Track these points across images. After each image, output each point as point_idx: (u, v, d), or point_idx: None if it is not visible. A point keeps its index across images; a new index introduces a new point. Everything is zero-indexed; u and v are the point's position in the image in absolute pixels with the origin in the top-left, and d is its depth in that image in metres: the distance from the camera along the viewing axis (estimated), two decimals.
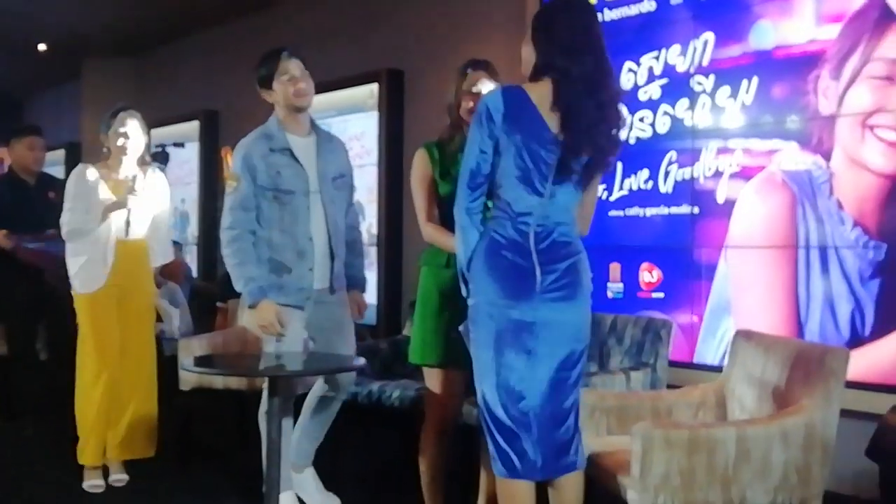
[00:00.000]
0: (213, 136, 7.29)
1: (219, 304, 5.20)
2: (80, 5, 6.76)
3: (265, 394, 2.93)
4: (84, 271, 3.59)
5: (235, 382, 3.86)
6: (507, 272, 2.23)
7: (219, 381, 3.86)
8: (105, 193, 3.59)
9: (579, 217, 2.35)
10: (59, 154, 9.14)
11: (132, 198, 3.56)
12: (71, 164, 8.82)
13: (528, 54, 2.32)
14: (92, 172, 3.62)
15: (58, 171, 9.14)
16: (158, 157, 5.09)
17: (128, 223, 3.59)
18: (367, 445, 3.15)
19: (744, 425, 2.25)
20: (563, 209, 2.28)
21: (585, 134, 2.20)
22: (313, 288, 3.01)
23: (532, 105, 2.22)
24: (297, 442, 3.09)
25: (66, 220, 3.57)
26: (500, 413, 2.23)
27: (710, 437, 2.16)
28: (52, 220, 3.84)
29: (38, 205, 4.50)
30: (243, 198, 2.97)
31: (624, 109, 2.38)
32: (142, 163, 3.73)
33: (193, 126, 7.40)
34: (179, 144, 6.87)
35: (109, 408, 3.62)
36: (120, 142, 3.62)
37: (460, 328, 2.35)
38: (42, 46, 7.99)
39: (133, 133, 3.67)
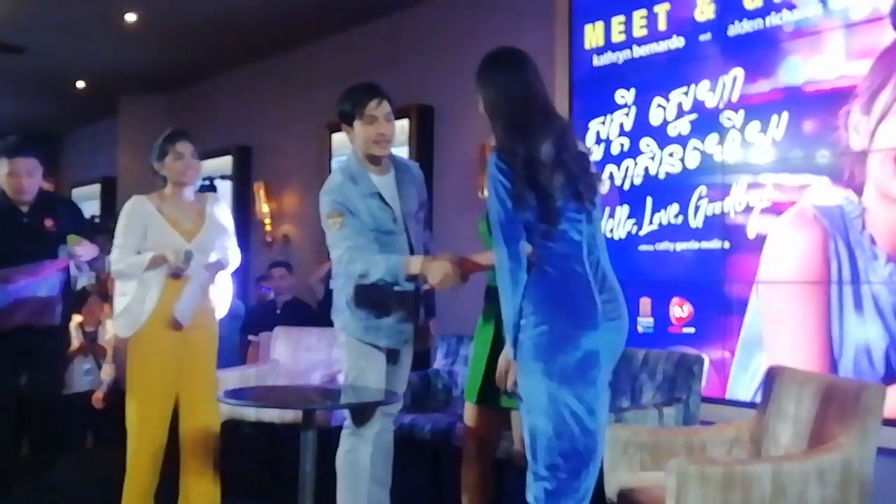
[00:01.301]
0: (245, 172, 7.39)
1: (251, 337, 5.26)
2: (117, 45, 6.93)
3: (344, 432, 2.91)
4: (126, 312, 3.33)
5: (268, 416, 3.89)
6: (573, 299, 2.24)
7: (251, 415, 3.88)
8: (163, 227, 3.32)
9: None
10: (95, 189, 9.32)
11: (194, 241, 3.31)
12: (106, 198, 9.01)
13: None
14: (147, 205, 3.34)
15: (93, 206, 9.34)
16: (206, 189, 5.07)
17: (187, 259, 3.29)
18: (399, 478, 3.14)
19: (779, 461, 2.23)
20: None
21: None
22: (411, 331, 2.97)
23: None
24: (368, 492, 2.97)
25: (114, 257, 3.33)
26: (565, 447, 2.19)
27: (746, 473, 2.14)
28: (46, 255, 3.51)
29: (31, 237, 3.70)
30: (357, 227, 2.82)
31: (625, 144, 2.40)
32: (209, 190, 3.54)
33: (226, 161, 7.52)
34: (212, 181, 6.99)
35: (157, 469, 3.31)
36: (179, 167, 3.33)
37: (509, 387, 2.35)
38: (80, 84, 8.19)
39: (192, 158, 3.38)
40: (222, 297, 3.53)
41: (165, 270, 3.28)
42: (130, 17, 6.29)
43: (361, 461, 2.91)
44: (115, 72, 7.72)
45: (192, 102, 8.22)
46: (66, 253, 3.61)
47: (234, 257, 3.55)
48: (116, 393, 5.29)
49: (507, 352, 2.32)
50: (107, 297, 5.56)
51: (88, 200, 9.57)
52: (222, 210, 3.54)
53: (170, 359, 3.30)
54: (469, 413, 2.86)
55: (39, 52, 7.12)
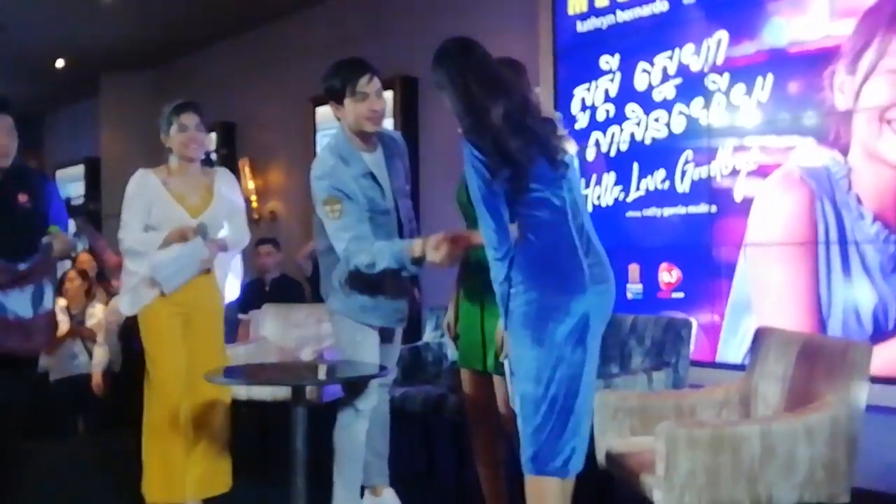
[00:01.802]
0: (230, 148, 7.34)
1: (240, 315, 5.24)
2: (96, 22, 6.84)
3: (341, 407, 2.90)
4: (133, 291, 3.23)
5: (259, 394, 3.88)
6: (561, 266, 2.26)
7: (242, 393, 3.87)
8: (168, 203, 3.20)
9: None
10: (79, 170, 9.24)
11: (202, 217, 3.20)
12: (90, 179, 8.94)
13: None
14: (152, 179, 3.22)
15: (78, 188, 9.27)
16: (204, 164, 4.95)
17: (202, 233, 3.18)
18: (392, 451, 3.15)
19: (767, 422, 2.24)
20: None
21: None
22: (406, 310, 2.96)
23: None
24: (366, 464, 2.98)
25: (122, 236, 3.21)
26: (548, 414, 2.22)
27: (735, 434, 2.16)
28: (25, 237, 2.96)
29: (2, 214, 3.00)
30: (356, 214, 2.77)
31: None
32: (206, 164, 3.34)
33: (210, 138, 7.45)
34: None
35: (177, 440, 3.22)
36: (182, 140, 3.20)
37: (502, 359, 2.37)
38: (60, 63, 8.09)
39: (196, 131, 3.24)
40: (230, 278, 3.44)
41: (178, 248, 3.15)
42: None
43: (358, 435, 2.91)
44: (95, 50, 7.62)
45: (174, 79, 8.14)
46: (46, 245, 3.02)
47: (243, 236, 3.43)
48: (110, 375, 5.28)
49: (501, 322, 2.33)
50: (86, 275, 5.53)
51: (72, 182, 9.50)
52: (232, 186, 3.40)
53: (177, 335, 3.23)
54: (466, 380, 2.88)
55: (17, 30, 7.01)
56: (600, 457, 2.63)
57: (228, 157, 7.29)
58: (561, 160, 2.31)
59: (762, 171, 3.73)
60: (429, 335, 4.24)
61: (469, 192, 2.34)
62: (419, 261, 2.64)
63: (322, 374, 2.97)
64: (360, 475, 2.94)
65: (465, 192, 2.74)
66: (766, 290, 3.70)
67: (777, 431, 2.18)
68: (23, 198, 3.01)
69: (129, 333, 4.88)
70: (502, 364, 2.44)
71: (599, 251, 2.35)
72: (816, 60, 3.53)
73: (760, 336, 2.73)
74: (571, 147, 2.39)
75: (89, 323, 5.31)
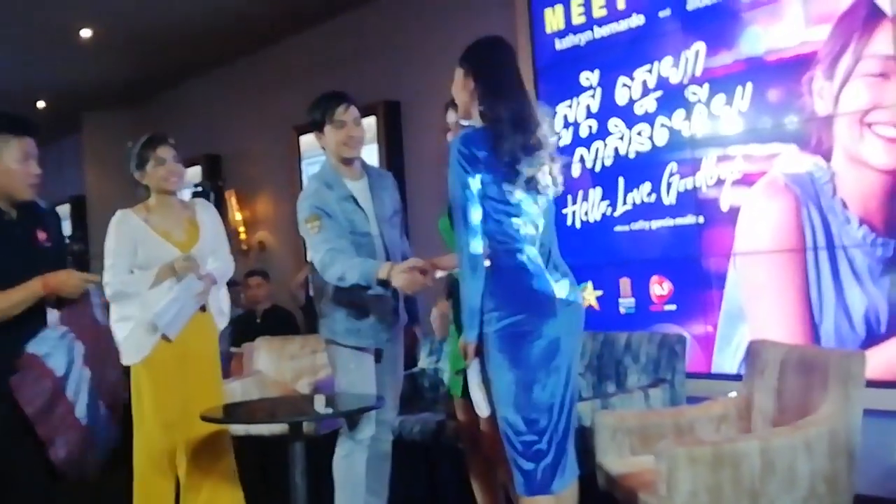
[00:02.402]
0: (215, 181, 7.32)
1: (233, 349, 5.22)
2: (74, 62, 6.83)
3: (340, 437, 2.92)
4: (132, 338, 3.08)
5: (256, 429, 3.85)
6: (530, 293, 2.32)
7: (240, 429, 3.84)
8: (154, 240, 3.12)
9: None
10: (65, 209, 9.20)
11: (191, 254, 3.13)
12: (76, 217, 8.90)
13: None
14: (133, 218, 3.14)
15: (65, 227, 9.21)
16: (199, 196, 4.91)
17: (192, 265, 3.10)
18: (392, 479, 3.14)
19: (766, 437, 2.24)
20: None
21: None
22: (391, 329, 3.01)
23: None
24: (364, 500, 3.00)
25: (107, 279, 3.08)
26: (531, 436, 2.27)
27: (734, 451, 2.15)
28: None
29: (26, 256, 2.53)
30: (335, 230, 2.88)
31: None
32: (200, 196, 3.33)
33: (196, 171, 7.45)
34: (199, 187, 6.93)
35: (168, 486, 3.14)
36: (161, 174, 3.14)
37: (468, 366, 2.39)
38: (41, 104, 8.07)
39: (174, 163, 3.18)
40: (221, 309, 3.35)
41: (169, 285, 3.08)
42: (86, 33, 6.20)
43: (357, 466, 2.94)
44: (75, 89, 7.61)
45: (157, 114, 8.13)
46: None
47: (230, 266, 3.38)
48: None
49: (464, 335, 2.38)
50: None
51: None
52: (213, 217, 3.34)
53: (177, 382, 3.12)
54: (459, 408, 2.90)
55: None
56: (601, 479, 2.62)
57: (215, 190, 7.28)
58: (542, 183, 2.38)
59: (747, 180, 3.74)
60: (424, 361, 4.23)
61: (451, 217, 2.40)
62: (384, 283, 2.73)
63: (320, 406, 2.95)
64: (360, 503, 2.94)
65: (447, 220, 2.78)
66: (758, 299, 3.70)
67: (776, 447, 2.17)
68: (42, 235, 2.60)
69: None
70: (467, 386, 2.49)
71: (567, 271, 2.42)
72: (794, 67, 3.55)
73: (754, 349, 2.73)
74: (573, 171, 2.48)
75: None
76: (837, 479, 2.22)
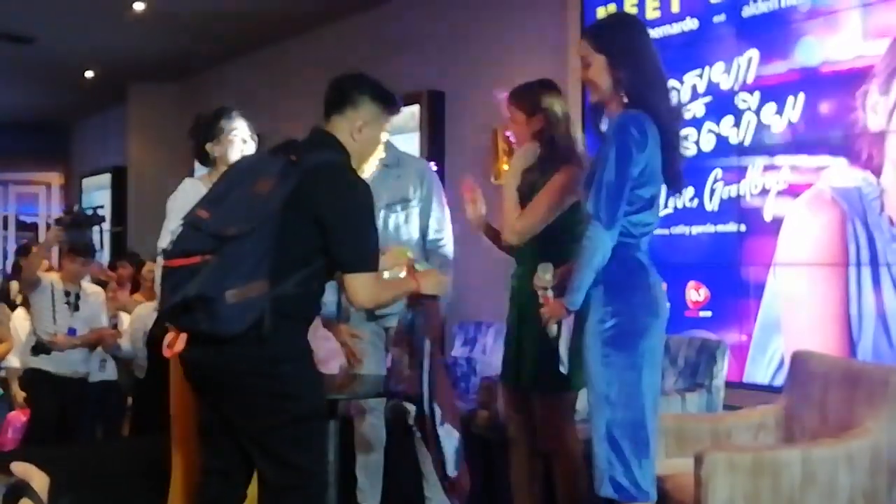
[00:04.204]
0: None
1: None
2: (125, 34, 6.92)
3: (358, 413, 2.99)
4: None
5: None
6: (647, 290, 2.30)
7: None
8: None
9: None
10: (105, 178, 9.33)
11: None
12: (116, 187, 9.02)
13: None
14: (201, 188, 2.99)
15: (104, 196, 9.35)
16: None
17: None
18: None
19: (808, 447, 2.24)
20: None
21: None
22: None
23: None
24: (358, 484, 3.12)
25: (161, 244, 2.93)
26: (642, 434, 2.24)
27: (775, 459, 2.15)
28: None
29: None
30: None
31: None
32: None
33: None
34: None
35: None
36: (235, 145, 3.10)
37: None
38: (89, 73, 8.18)
39: (247, 136, 3.15)
40: None
41: None
42: (139, 6, 6.27)
43: (370, 429, 3.14)
44: (123, 60, 7.71)
45: (202, 90, 8.21)
46: None
47: None
48: (134, 381, 5.33)
49: (567, 300, 2.31)
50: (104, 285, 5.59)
51: (98, 190, 9.59)
52: None
53: None
54: (502, 395, 2.94)
55: (48, 41, 7.11)
56: None
57: None
58: (675, 188, 2.40)
59: (793, 191, 3.72)
60: (457, 350, 4.26)
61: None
62: None
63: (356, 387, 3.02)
64: (380, 462, 3.11)
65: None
66: (796, 311, 3.68)
67: (818, 457, 2.17)
68: None
69: (154, 341, 4.93)
70: (537, 378, 2.46)
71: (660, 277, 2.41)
72: (849, 80, 3.52)
73: (798, 360, 2.73)
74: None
75: (121, 327, 5.40)
76: (877, 495, 2.22)
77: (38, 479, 0.89)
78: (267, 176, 2.18)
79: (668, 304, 2.43)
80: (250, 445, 2.21)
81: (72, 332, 4.77)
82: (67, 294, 4.80)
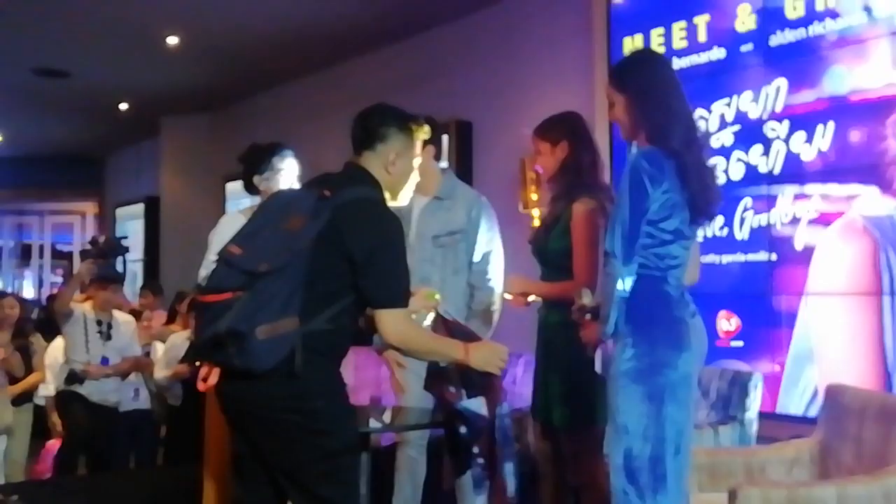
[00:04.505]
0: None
1: None
2: (159, 67, 7.06)
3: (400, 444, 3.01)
4: None
5: None
6: (671, 324, 2.30)
7: None
8: None
9: (692, 265, 2.50)
10: (139, 208, 9.47)
11: None
12: (150, 217, 9.15)
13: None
14: (237, 220, 3.02)
15: (137, 226, 9.49)
16: None
17: None
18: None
19: (844, 483, 2.21)
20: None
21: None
22: None
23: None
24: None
25: (203, 273, 3.03)
26: (660, 469, 2.24)
27: (810, 496, 2.13)
28: None
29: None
30: None
31: None
32: None
33: None
34: None
35: None
36: (281, 183, 3.14)
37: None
38: (123, 106, 8.34)
39: (294, 178, 3.19)
40: None
41: None
42: (172, 40, 6.41)
43: (405, 462, 3.14)
44: (157, 93, 7.85)
45: (234, 121, 8.33)
46: None
47: None
48: (167, 409, 5.38)
49: (604, 328, 2.32)
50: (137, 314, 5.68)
51: (132, 220, 9.73)
52: None
53: None
54: (534, 431, 2.94)
55: (83, 76, 7.28)
56: None
57: None
58: (706, 218, 2.38)
59: (824, 220, 3.70)
60: None
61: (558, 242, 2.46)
62: None
63: (384, 419, 3.02)
64: (417, 495, 3.11)
65: (557, 240, 2.80)
66: (829, 341, 3.65)
67: (854, 494, 2.15)
68: None
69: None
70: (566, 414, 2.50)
71: (696, 310, 2.39)
72: (879, 108, 3.51)
73: (833, 393, 2.70)
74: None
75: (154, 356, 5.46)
76: None
77: None
78: (299, 212, 2.20)
79: (703, 338, 2.41)
80: (283, 479, 2.21)
81: (104, 361, 4.84)
82: (99, 323, 4.89)
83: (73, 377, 4.74)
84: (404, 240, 2.34)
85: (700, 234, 4.07)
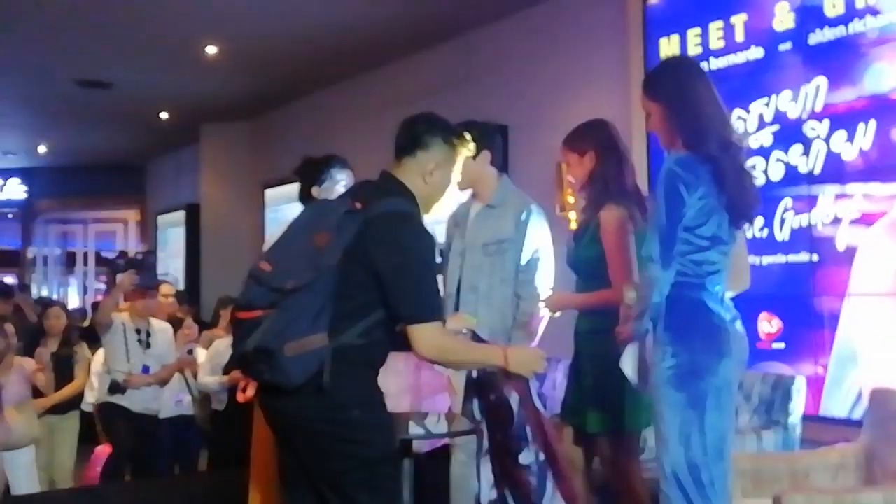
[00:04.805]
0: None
1: None
2: (199, 76, 7.17)
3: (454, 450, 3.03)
4: None
5: None
6: (711, 330, 2.31)
7: None
8: None
9: (740, 270, 2.53)
10: (180, 215, 9.60)
11: None
12: (190, 223, 9.29)
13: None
14: None
15: (178, 233, 9.64)
16: None
17: None
18: None
19: (891, 489, 2.19)
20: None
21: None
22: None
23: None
24: None
25: None
26: (704, 476, 2.25)
27: (856, 502, 2.11)
28: None
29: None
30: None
31: None
32: None
33: None
34: None
35: None
36: (338, 194, 3.02)
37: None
38: (164, 115, 8.48)
39: (346, 186, 3.16)
40: None
41: None
42: (211, 50, 6.51)
43: (456, 468, 3.14)
44: (196, 102, 7.98)
45: (272, 128, 8.42)
46: None
47: None
48: (211, 414, 5.44)
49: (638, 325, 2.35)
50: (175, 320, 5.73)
51: (173, 227, 9.88)
52: None
53: None
54: (565, 435, 2.95)
55: (124, 86, 7.42)
56: None
57: None
58: (747, 221, 2.38)
59: (866, 220, 3.65)
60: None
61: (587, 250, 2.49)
62: None
63: (431, 425, 3.03)
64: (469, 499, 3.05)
65: (586, 248, 2.81)
66: (873, 343, 3.60)
67: None
68: None
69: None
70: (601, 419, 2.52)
71: (737, 315, 2.39)
72: None
73: (877, 397, 2.67)
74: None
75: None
76: None
77: None
78: (325, 228, 2.18)
79: (744, 345, 2.40)
80: (325, 488, 2.23)
81: (145, 370, 4.88)
82: (138, 332, 4.93)
83: (116, 387, 4.77)
84: (433, 254, 2.33)
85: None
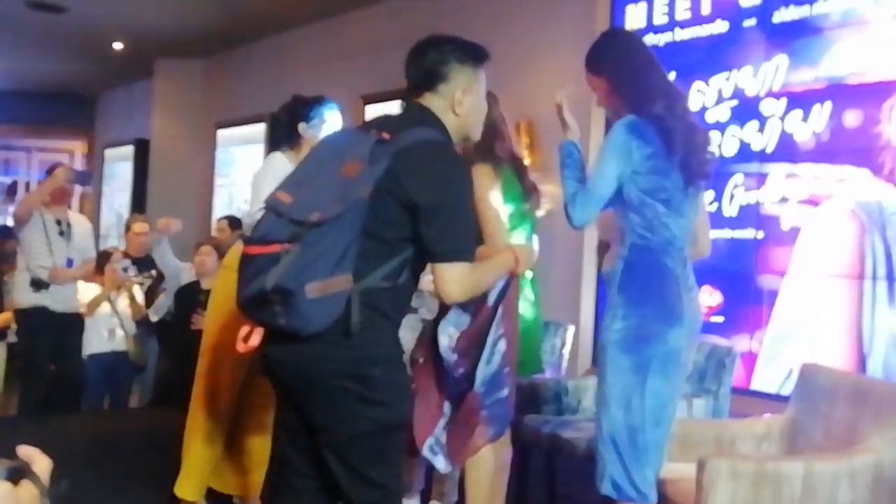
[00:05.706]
0: (278, 140, 7.41)
1: None
2: (155, 7, 6.95)
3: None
4: None
5: None
6: (665, 297, 2.30)
7: None
8: None
9: (700, 235, 2.49)
10: (128, 150, 9.40)
11: None
12: (139, 159, 9.09)
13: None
14: (287, 165, 3.00)
15: (126, 168, 9.43)
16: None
17: None
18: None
19: (811, 460, 2.24)
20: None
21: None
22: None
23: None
24: None
25: (254, 211, 2.93)
26: (640, 439, 2.27)
27: (778, 471, 2.15)
28: None
29: None
30: None
31: None
32: None
33: (259, 129, 7.54)
34: None
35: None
36: (322, 134, 3.08)
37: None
38: (118, 45, 8.23)
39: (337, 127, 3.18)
40: None
41: None
42: None
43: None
44: (152, 34, 7.74)
45: (229, 68, 8.23)
46: None
47: None
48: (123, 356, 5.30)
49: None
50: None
51: (121, 161, 9.66)
52: None
53: None
54: None
55: (79, 11, 7.14)
56: None
57: (275, 148, 7.35)
58: (702, 179, 2.36)
59: (813, 201, 3.70)
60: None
61: None
62: None
63: None
64: None
65: None
66: (808, 322, 3.67)
67: (820, 471, 2.17)
68: None
69: (185, 300, 4.87)
70: None
71: (695, 284, 2.39)
72: (876, 93, 3.49)
73: (807, 372, 2.72)
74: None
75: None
76: None
77: (41, 463, 0.92)
78: (355, 157, 1.96)
79: (698, 315, 2.41)
80: (330, 456, 2.01)
81: (69, 263, 4.62)
82: (59, 223, 4.65)
83: (39, 284, 4.47)
84: (471, 188, 2.13)
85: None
